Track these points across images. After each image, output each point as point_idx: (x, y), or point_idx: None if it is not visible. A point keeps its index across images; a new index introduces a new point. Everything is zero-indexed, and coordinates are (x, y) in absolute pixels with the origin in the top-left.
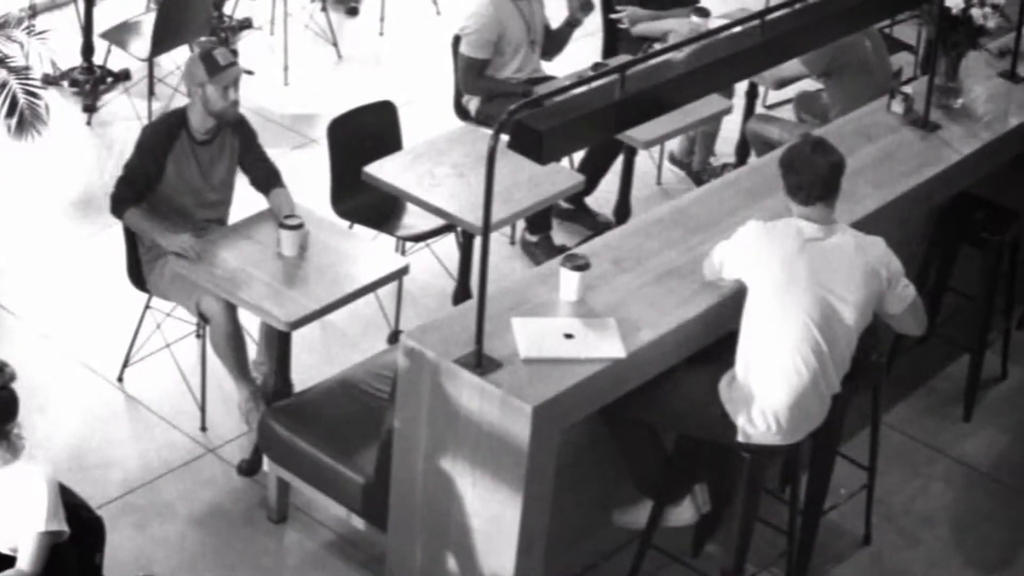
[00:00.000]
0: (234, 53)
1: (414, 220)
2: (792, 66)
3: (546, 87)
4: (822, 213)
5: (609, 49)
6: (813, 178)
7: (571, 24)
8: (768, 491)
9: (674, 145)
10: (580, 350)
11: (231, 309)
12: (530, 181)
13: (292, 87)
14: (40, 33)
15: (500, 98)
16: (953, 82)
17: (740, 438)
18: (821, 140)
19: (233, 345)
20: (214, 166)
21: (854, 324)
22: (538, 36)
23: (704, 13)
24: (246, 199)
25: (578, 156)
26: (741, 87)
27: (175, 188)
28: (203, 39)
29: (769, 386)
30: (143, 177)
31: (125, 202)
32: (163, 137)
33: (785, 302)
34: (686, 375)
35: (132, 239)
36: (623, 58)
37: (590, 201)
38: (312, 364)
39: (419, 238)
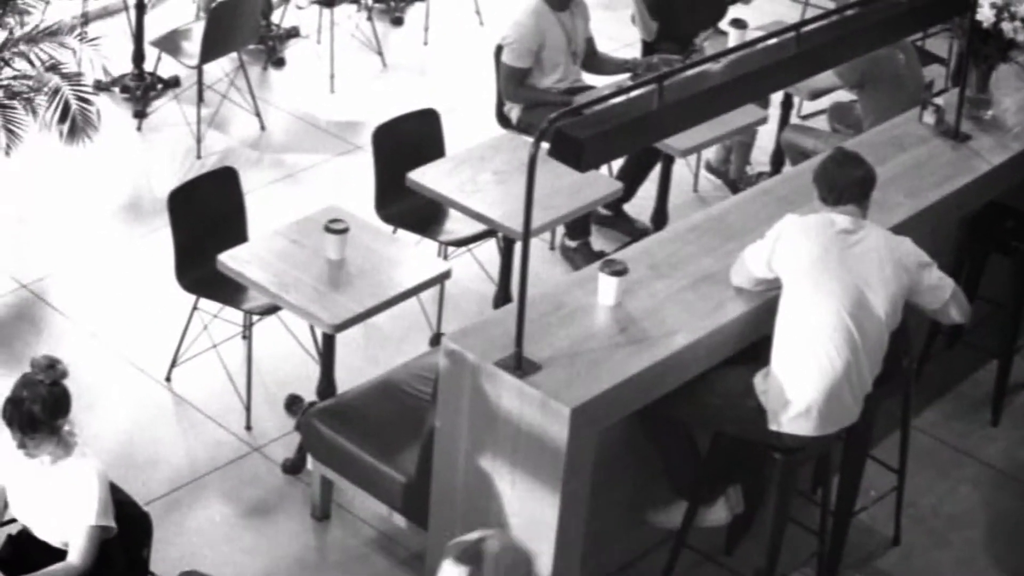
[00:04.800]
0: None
1: (456, 225)
2: (826, 77)
3: (586, 96)
4: (853, 212)
5: None
6: (845, 184)
7: (628, 69)
8: (800, 493)
9: (711, 154)
10: None
11: None
12: (570, 188)
13: (338, 95)
14: (92, 40)
15: (541, 107)
16: (984, 94)
17: (772, 426)
18: (854, 153)
19: None
20: None
21: (885, 318)
22: (579, 48)
23: (741, 25)
24: (287, 205)
25: (617, 164)
26: (776, 98)
27: None
28: None
29: (803, 374)
30: None
31: None
32: None
33: (819, 290)
34: (722, 372)
35: (180, 241)
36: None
37: (628, 208)
38: (355, 365)
39: (461, 243)
